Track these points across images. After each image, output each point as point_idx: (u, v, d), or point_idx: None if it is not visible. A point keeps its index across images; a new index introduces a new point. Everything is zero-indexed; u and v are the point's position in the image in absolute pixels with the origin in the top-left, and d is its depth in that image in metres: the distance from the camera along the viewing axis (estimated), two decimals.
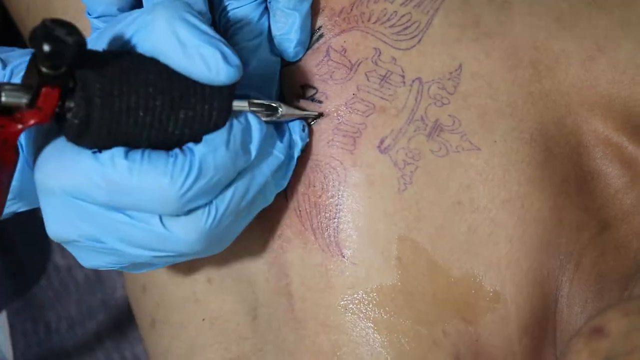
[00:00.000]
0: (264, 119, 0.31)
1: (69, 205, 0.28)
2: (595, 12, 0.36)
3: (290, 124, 0.33)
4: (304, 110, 0.34)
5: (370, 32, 0.35)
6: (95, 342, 0.62)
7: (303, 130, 0.34)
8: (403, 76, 0.35)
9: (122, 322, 0.62)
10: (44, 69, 0.25)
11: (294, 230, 0.35)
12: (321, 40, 0.35)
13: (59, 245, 0.60)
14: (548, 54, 0.36)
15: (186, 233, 0.29)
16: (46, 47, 0.24)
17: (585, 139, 0.36)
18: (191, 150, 0.28)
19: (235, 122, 0.29)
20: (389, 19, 0.35)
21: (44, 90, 0.26)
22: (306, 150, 0.35)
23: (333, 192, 0.35)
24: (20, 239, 0.60)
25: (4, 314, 0.61)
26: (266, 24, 0.34)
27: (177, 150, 0.28)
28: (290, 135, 0.33)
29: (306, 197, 0.35)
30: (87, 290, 0.62)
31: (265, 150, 0.31)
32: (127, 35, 0.28)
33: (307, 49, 0.35)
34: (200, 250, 0.30)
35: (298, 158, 0.34)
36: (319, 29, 0.36)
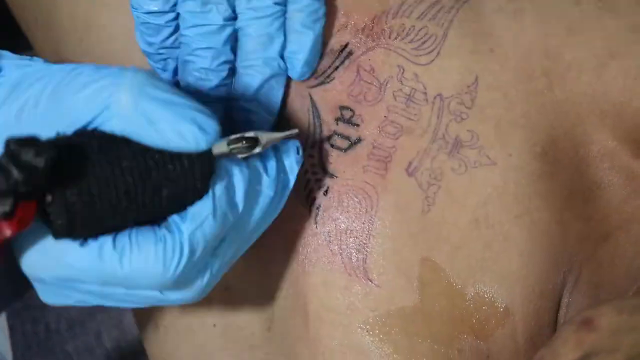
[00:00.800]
0: (243, 155, 0.29)
1: (63, 286, 0.28)
2: (605, 17, 0.36)
3: (284, 148, 0.32)
4: (283, 131, 0.31)
5: (392, 48, 0.35)
6: (95, 343, 0.62)
7: (298, 152, 0.32)
8: (425, 93, 0.35)
9: (122, 322, 0.62)
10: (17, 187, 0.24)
11: (321, 254, 0.35)
12: (351, 58, 0.35)
13: None
14: (560, 62, 0.35)
15: (184, 296, 0.29)
16: (17, 176, 0.23)
17: (594, 149, 0.36)
18: (179, 229, 0.27)
19: (217, 185, 0.28)
20: (407, 34, 0.35)
21: (21, 203, 0.24)
22: (341, 175, 0.34)
23: (365, 218, 0.34)
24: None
25: (4, 315, 0.61)
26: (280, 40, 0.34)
27: (164, 231, 0.27)
28: (282, 160, 0.32)
29: (338, 222, 0.35)
30: None
31: (252, 193, 0.30)
32: (90, 114, 0.26)
33: (338, 67, 0.35)
34: (198, 300, 0.30)
35: (334, 182, 0.34)
36: (346, 46, 0.35)
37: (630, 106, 0.35)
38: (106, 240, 0.26)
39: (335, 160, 0.34)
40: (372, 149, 0.34)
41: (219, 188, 0.28)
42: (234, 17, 0.33)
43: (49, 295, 0.29)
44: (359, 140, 0.35)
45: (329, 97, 0.35)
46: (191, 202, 0.28)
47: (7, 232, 0.24)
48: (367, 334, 0.34)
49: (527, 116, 0.35)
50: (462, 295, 0.34)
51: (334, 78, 0.35)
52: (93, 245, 0.26)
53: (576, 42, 0.36)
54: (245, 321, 0.37)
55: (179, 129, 0.26)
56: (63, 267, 0.26)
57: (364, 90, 0.35)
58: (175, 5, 0.32)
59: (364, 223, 0.34)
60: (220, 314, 0.38)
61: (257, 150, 0.29)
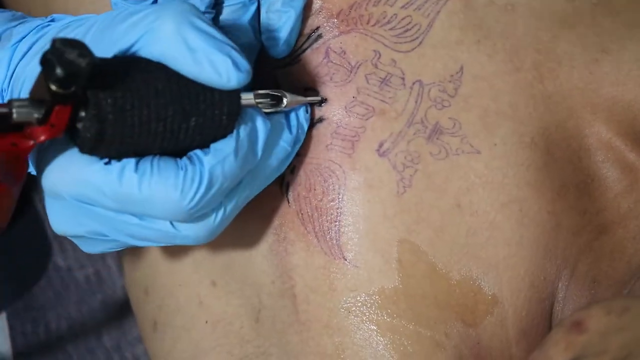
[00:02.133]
0: (268, 110, 0.31)
1: (77, 208, 0.28)
2: (600, 13, 0.36)
3: (296, 106, 0.33)
4: (308, 96, 0.34)
5: (369, 34, 0.35)
6: (95, 342, 0.62)
7: (307, 111, 0.34)
8: (403, 78, 0.35)
9: (122, 322, 0.62)
10: (55, 88, 0.25)
11: (297, 233, 0.35)
12: (320, 41, 0.35)
13: (59, 245, 0.60)
14: (551, 56, 0.36)
15: (195, 232, 0.29)
16: (59, 71, 0.24)
17: (587, 142, 0.36)
18: (200, 161, 0.28)
19: (242, 127, 0.29)
20: (388, 22, 0.35)
21: (56, 107, 0.25)
22: (305, 153, 0.35)
23: (333, 196, 0.35)
24: (20, 239, 0.60)
25: (4, 314, 0.61)
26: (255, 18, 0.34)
27: (186, 161, 0.28)
28: (297, 117, 0.33)
29: (307, 201, 0.35)
30: (87, 291, 0.61)
31: (271, 145, 0.31)
32: (133, 38, 0.28)
33: (306, 49, 0.35)
34: (207, 241, 0.31)
35: (299, 161, 0.34)
36: (316, 29, 0.35)
37: (623, 100, 0.36)
38: (129, 162, 0.27)
39: None
40: (336, 127, 0.35)
41: (243, 130, 0.29)
42: None
43: (62, 220, 0.29)
44: (321, 119, 0.35)
45: (293, 78, 0.36)
46: (215, 139, 0.29)
47: (41, 136, 0.25)
48: (348, 314, 0.35)
49: (515, 107, 0.35)
50: (447, 279, 0.35)
51: (300, 60, 0.35)
52: (116, 165, 0.27)
53: (568, 36, 0.36)
54: (233, 315, 0.37)
55: (215, 61, 0.27)
56: (83, 184, 0.27)
57: (331, 72, 0.35)
58: None
59: (332, 201, 0.35)
60: (209, 310, 0.38)
61: (281, 107, 0.31)
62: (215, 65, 0.27)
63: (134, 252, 0.42)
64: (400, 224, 0.35)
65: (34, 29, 0.32)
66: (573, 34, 0.36)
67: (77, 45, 0.25)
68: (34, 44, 0.32)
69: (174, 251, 0.39)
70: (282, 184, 0.35)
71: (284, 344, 0.36)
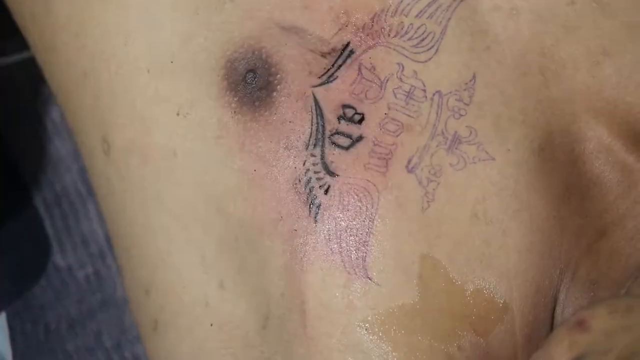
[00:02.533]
0: None
1: None
2: (599, 15, 0.36)
3: None
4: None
5: (392, 46, 0.35)
6: (95, 342, 0.62)
7: None
8: (424, 90, 0.35)
9: (122, 322, 0.62)
10: None
11: (319, 252, 0.35)
12: (352, 57, 0.35)
13: (59, 245, 0.60)
14: (555, 60, 0.36)
15: None
16: None
17: (589, 146, 0.36)
18: None
19: None
20: (406, 32, 0.35)
21: None
22: (343, 173, 0.35)
23: (366, 216, 0.34)
24: (20, 239, 0.60)
25: (4, 314, 0.61)
26: None
27: None
28: None
29: (338, 221, 0.35)
30: (87, 290, 0.61)
31: None
32: None
33: (341, 66, 0.35)
34: None
35: (335, 181, 0.34)
36: (347, 45, 0.35)
37: (624, 102, 0.36)
38: None
39: (337, 158, 0.35)
40: (373, 146, 0.35)
41: None
42: None
43: None
44: (360, 138, 0.35)
45: (332, 95, 0.35)
46: None
47: None
48: (366, 332, 0.34)
49: (525, 112, 0.35)
50: (462, 291, 0.34)
51: (337, 77, 0.35)
52: None
53: (571, 40, 0.36)
54: (240, 319, 0.37)
55: None
56: None
57: (365, 89, 0.35)
58: None
59: (364, 221, 0.35)
60: (215, 312, 0.38)
61: None
62: None
63: (132, 251, 0.42)
64: (423, 240, 0.34)
65: None
66: (575, 37, 0.36)
67: None
68: None
69: (181, 250, 0.39)
70: (313, 204, 0.35)
71: (290, 354, 0.36)
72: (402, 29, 0.35)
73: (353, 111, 0.35)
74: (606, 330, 0.27)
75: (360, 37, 0.35)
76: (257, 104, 0.35)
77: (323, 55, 0.35)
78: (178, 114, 0.37)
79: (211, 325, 0.38)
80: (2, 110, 0.62)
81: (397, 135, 0.35)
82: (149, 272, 0.40)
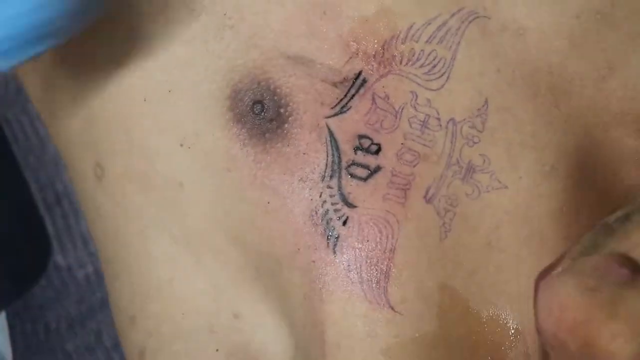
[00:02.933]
0: None
1: None
2: (603, 28, 0.36)
3: None
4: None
5: (404, 74, 0.35)
6: (95, 342, 0.62)
7: None
8: (439, 119, 0.35)
9: None
10: None
11: (339, 282, 0.35)
12: (365, 86, 0.35)
13: (59, 245, 0.59)
14: (563, 78, 0.36)
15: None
16: None
17: (601, 160, 0.36)
18: None
19: None
20: (417, 59, 0.35)
21: None
22: (361, 204, 0.35)
23: (387, 247, 0.34)
24: (21, 239, 0.60)
25: (4, 314, 0.61)
26: None
27: None
28: None
29: (358, 252, 0.34)
30: (87, 290, 0.61)
31: None
32: None
33: (354, 95, 0.35)
34: None
35: (354, 212, 0.34)
36: (359, 74, 0.35)
37: (631, 113, 0.36)
38: None
39: (355, 189, 0.34)
40: (391, 177, 0.34)
41: None
42: None
43: None
44: (378, 168, 0.34)
45: (347, 126, 0.35)
46: None
47: None
48: (389, 359, 0.34)
49: (536, 136, 0.35)
50: (478, 319, 0.35)
51: (350, 107, 0.35)
52: None
53: (577, 56, 0.36)
54: (256, 350, 0.37)
55: None
56: None
57: (380, 119, 0.35)
58: None
59: (384, 252, 0.34)
60: (224, 339, 0.37)
61: None
62: None
63: (122, 277, 0.41)
64: (441, 270, 0.34)
65: None
66: (581, 52, 0.36)
67: None
68: None
69: (187, 279, 0.38)
70: (331, 235, 0.35)
71: None
72: (414, 55, 0.35)
73: (369, 142, 0.35)
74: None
75: (372, 65, 0.35)
76: (267, 135, 0.35)
77: (334, 84, 0.35)
78: (182, 145, 0.36)
79: (217, 350, 0.37)
80: (2, 110, 0.62)
81: (414, 166, 0.34)
82: (139, 299, 0.40)
